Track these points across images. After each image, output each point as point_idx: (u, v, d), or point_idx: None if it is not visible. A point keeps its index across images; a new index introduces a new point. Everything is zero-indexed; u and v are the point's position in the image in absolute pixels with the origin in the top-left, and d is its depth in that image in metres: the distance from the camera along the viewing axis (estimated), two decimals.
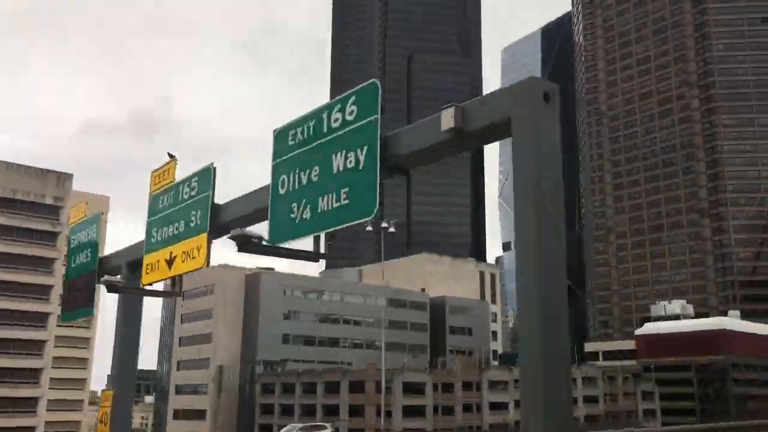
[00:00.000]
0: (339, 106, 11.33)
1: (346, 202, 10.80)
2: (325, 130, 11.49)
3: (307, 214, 11.45)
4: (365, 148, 10.67)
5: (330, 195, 11.09)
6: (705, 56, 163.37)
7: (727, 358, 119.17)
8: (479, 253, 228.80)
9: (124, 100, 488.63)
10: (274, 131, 12.67)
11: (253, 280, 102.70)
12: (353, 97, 11.06)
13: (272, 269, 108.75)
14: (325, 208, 11.14)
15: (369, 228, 52.53)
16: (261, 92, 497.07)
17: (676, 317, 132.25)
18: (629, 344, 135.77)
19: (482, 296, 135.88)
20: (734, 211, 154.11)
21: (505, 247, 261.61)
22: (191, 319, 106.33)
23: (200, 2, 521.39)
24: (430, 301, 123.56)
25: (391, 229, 51.98)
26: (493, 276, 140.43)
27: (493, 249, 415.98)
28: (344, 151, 11.01)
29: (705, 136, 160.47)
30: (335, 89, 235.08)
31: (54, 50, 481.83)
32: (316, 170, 11.48)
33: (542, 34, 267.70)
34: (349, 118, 11.00)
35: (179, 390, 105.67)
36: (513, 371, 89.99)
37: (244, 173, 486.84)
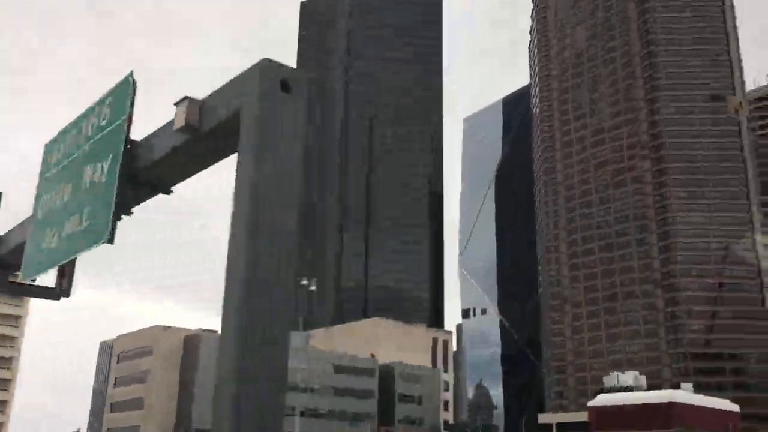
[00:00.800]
0: (97, 109, 9.38)
1: (85, 224, 8.72)
2: (82, 140, 9.50)
3: (54, 242, 9.32)
4: (110, 158, 8.67)
5: (74, 217, 9.02)
6: (657, 129, 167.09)
7: (678, 431, 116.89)
8: (438, 319, 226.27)
9: None
10: (45, 145, 10.66)
11: (192, 341, 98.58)
12: (109, 98, 9.11)
13: (215, 331, 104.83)
14: (69, 233, 9.04)
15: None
16: None
17: (629, 389, 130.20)
18: (583, 416, 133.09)
19: (434, 363, 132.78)
20: (686, 282, 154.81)
21: (465, 314, 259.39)
22: (125, 382, 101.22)
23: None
24: (379, 367, 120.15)
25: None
26: (446, 342, 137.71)
27: (453, 315, 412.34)
28: (93, 164, 9.00)
29: (657, 208, 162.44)
30: None
31: (55, 49, 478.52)
32: (69, 188, 9.42)
33: (504, 104, 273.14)
34: (102, 123, 9.03)
35: None
36: None
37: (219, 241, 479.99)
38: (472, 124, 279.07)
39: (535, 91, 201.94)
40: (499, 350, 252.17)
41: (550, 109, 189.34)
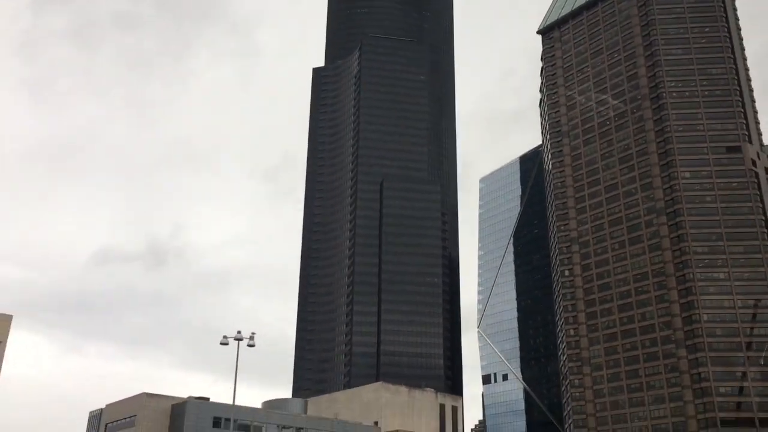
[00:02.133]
0: None
1: None
2: None
3: None
4: None
5: None
6: (671, 183, 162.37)
7: None
8: (456, 386, 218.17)
9: (138, 230, 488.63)
10: None
11: (178, 410, 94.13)
12: None
13: (207, 399, 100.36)
14: None
15: (226, 343, 45.76)
16: (278, 220, 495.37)
17: None
18: None
19: (442, 430, 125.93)
20: (711, 341, 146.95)
21: (485, 380, 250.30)
22: None
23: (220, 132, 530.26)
24: None
25: (251, 343, 45.72)
26: (454, 408, 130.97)
27: (473, 381, 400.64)
28: None
29: (676, 264, 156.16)
30: (308, 213, 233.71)
31: (74, 181, 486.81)
32: None
33: (521, 162, 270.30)
34: None
35: None
36: None
37: (236, 305, 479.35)
38: (488, 183, 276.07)
39: (546, 148, 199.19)
40: (523, 416, 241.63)
41: (562, 166, 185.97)
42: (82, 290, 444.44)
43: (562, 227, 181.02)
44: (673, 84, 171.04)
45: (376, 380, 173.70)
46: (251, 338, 48.09)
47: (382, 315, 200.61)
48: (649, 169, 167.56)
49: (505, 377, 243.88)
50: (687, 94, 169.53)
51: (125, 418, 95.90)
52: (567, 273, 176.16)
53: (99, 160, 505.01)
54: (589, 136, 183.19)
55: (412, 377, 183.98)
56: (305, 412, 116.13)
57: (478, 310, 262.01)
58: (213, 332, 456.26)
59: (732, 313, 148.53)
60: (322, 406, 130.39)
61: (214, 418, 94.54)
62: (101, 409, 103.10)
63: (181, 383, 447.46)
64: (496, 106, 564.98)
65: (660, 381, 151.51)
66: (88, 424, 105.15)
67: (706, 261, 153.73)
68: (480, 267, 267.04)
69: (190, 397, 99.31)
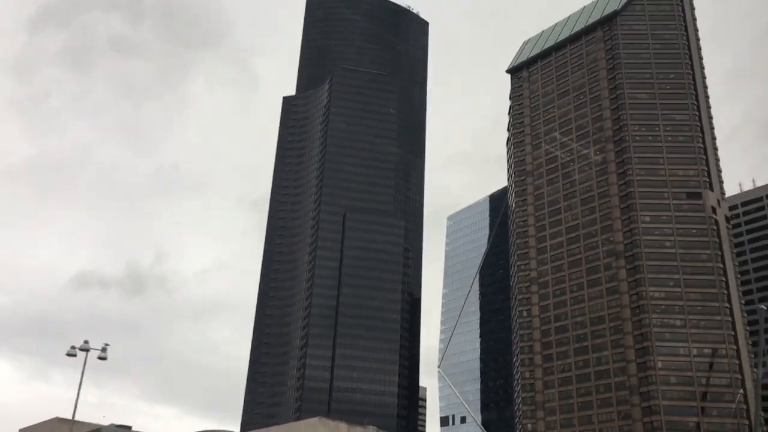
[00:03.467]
0: None
1: None
2: None
3: None
4: None
5: None
6: (631, 227, 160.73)
7: None
8: (410, 426, 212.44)
9: (120, 255, 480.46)
10: None
11: None
12: None
13: (128, 427, 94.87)
14: None
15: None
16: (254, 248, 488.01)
17: None
18: None
19: None
20: (665, 390, 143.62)
21: (443, 421, 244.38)
22: None
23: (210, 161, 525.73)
24: None
25: (103, 355, 41.73)
26: None
27: (432, 422, 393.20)
28: None
29: (632, 309, 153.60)
30: (269, 244, 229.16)
31: (60, 202, 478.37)
32: None
33: (489, 201, 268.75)
34: None
35: None
36: None
37: (215, 334, 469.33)
38: (456, 221, 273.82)
39: (511, 186, 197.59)
40: None
41: (525, 205, 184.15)
42: (57, 315, 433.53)
43: (523, 267, 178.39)
44: (636, 128, 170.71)
45: (327, 416, 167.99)
46: (103, 350, 43.97)
47: (336, 350, 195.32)
48: (610, 211, 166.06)
49: (463, 419, 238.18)
50: (650, 138, 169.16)
51: None
52: (525, 314, 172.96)
53: (86, 182, 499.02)
54: (553, 176, 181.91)
55: (364, 414, 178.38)
56: None
57: (440, 349, 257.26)
58: (185, 364, 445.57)
59: (687, 361, 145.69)
60: None
61: None
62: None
63: (145, 414, 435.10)
64: (468, 144, 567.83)
65: (612, 428, 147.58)
66: None
67: (663, 307, 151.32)
68: (443, 306, 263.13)
69: (111, 425, 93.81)
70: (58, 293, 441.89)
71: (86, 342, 42.77)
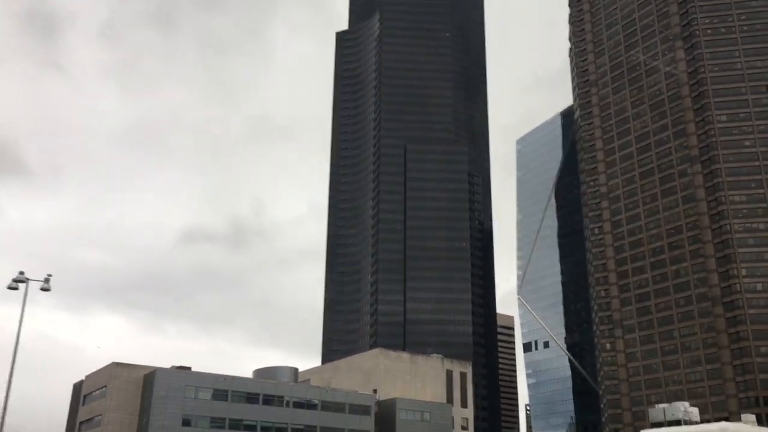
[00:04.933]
0: None
1: None
2: None
3: None
4: None
5: None
6: (706, 129, 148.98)
7: None
8: (489, 355, 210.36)
9: (221, 209, 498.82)
10: None
11: (149, 379, 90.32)
12: None
13: (188, 368, 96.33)
14: None
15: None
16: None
17: (677, 422, 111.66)
18: None
19: (449, 398, 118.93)
20: (751, 298, 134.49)
21: (526, 347, 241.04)
22: (89, 427, 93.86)
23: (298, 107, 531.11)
24: (379, 404, 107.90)
25: (46, 286, 39.55)
26: (463, 375, 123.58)
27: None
28: None
29: (711, 216, 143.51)
30: (334, 183, 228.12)
31: (159, 163, 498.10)
32: None
33: (561, 118, 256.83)
34: None
35: None
36: None
37: (313, 277, 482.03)
38: (525, 144, 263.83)
39: (576, 101, 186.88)
40: (567, 384, 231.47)
41: (590, 117, 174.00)
42: (166, 271, 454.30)
43: (592, 183, 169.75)
44: (707, 20, 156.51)
45: (403, 350, 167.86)
46: (46, 281, 42.59)
47: (407, 283, 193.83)
48: (683, 114, 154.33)
49: (546, 344, 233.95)
50: (723, 30, 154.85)
51: (99, 389, 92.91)
52: (597, 231, 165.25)
53: (182, 140, 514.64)
54: (618, 84, 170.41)
55: (439, 345, 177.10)
56: (295, 380, 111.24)
57: (518, 276, 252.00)
58: (287, 309, 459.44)
59: None
60: (325, 374, 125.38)
61: (187, 386, 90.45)
62: (82, 381, 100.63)
63: (250, 359, 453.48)
64: (533, 63, 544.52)
65: (696, 342, 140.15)
66: (72, 396, 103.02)
67: (744, 211, 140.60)
68: (519, 232, 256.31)
69: (172, 367, 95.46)
70: (166, 250, 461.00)
71: (21, 273, 41.57)
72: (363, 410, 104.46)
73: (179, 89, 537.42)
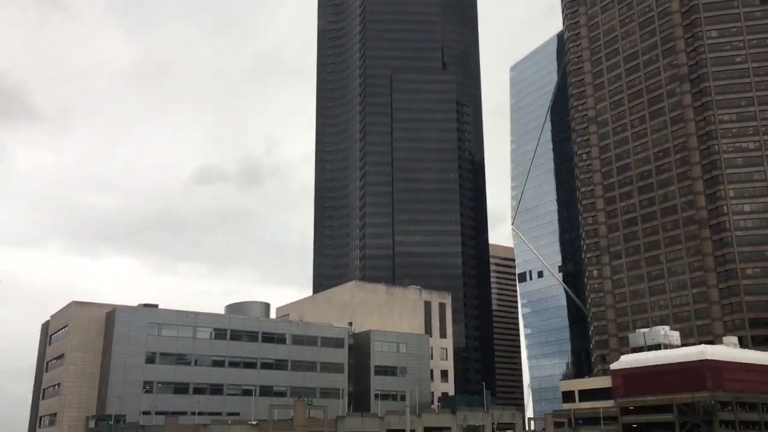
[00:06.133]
0: None
1: None
2: None
3: None
4: None
5: None
6: (696, 45, 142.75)
7: (713, 395, 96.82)
8: (481, 285, 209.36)
9: (233, 148, 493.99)
10: None
11: (110, 317, 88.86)
12: None
13: (155, 305, 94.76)
14: None
15: None
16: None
17: (657, 347, 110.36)
18: (608, 381, 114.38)
19: (428, 329, 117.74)
20: (737, 219, 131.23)
21: (520, 278, 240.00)
22: (55, 365, 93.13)
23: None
24: (353, 336, 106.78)
25: None
26: (442, 305, 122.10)
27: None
28: None
29: (700, 137, 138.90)
30: (320, 115, 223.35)
31: (168, 102, 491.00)
32: None
33: (558, 41, 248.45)
34: None
35: None
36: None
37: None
38: (519, 71, 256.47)
39: (564, 21, 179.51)
40: (562, 313, 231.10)
41: (578, 39, 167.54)
42: (177, 213, 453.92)
43: (580, 107, 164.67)
44: None
45: (392, 283, 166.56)
46: None
47: (395, 216, 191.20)
48: (672, 31, 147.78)
49: (540, 274, 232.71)
50: None
51: (62, 328, 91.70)
52: (584, 157, 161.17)
53: (192, 78, 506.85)
54: (607, 2, 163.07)
55: (428, 278, 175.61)
56: (267, 315, 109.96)
57: (512, 206, 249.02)
58: (294, 248, 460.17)
59: (763, 186, 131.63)
60: (304, 308, 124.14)
61: (149, 323, 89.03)
62: (48, 321, 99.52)
63: (261, 296, 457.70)
64: None
65: (682, 266, 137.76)
66: (40, 335, 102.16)
67: (734, 130, 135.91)
68: (512, 161, 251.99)
69: (139, 305, 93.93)
70: (177, 191, 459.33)
71: None
72: (336, 343, 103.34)
73: (185, 26, 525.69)
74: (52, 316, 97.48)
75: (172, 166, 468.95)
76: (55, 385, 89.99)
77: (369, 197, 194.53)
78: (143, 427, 68.77)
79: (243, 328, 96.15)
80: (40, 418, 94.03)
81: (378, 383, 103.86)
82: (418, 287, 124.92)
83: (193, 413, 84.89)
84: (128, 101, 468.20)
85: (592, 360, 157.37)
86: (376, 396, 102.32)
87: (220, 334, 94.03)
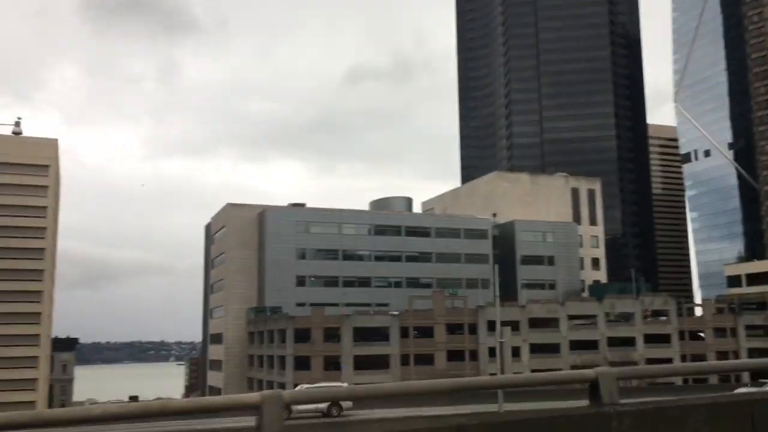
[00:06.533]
0: None
1: None
2: None
3: None
4: None
5: None
6: None
7: None
8: (640, 170, 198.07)
9: (383, 44, 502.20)
10: None
11: (262, 218, 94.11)
12: None
13: (302, 205, 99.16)
14: None
15: None
16: None
17: None
18: None
19: (576, 217, 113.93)
20: None
21: (684, 158, 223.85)
22: (218, 263, 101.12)
23: None
24: (498, 227, 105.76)
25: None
26: (591, 192, 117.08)
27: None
28: None
29: None
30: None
31: (314, 5, 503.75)
32: None
33: None
34: None
35: (212, 340, 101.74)
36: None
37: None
38: None
39: None
40: (734, 194, 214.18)
41: None
42: (334, 113, 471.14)
43: None
44: None
45: (542, 172, 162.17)
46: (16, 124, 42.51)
47: (542, 101, 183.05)
48: None
49: (707, 153, 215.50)
50: None
51: (221, 229, 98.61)
52: (756, 19, 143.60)
53: None
54: None
55: (580, 165, 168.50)
56: (410, 209, 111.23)
57: (674, 81, 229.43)
58: (449, 140, 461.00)
59: None
60: (446, 202, 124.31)
61: (297, 222, 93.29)
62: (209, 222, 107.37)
63: (418, 189, 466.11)
64: None
65: None
66: (205, 236, 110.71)
67: None
68: (674, 32, 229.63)
69: (288, 205, 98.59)
70: (332, 92, 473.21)
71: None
72: (480, 234, 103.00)
73: None
74: (212, 218, 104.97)
75: (325, 69, 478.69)
76: (219, 281, 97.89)
77: (514, 83, 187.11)
78: (292, 318, 73.32)
79: (387, 223, 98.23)
80: (211, 310, 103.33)
81: (524, 273, 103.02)
82: (564, 174, 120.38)
83: (345, 305, 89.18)
84: (281, 8, 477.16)
85: (764, 242, 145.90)
86: (523, 286, 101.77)
87: (364, 229, 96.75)
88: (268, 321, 79.60)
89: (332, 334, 70.13)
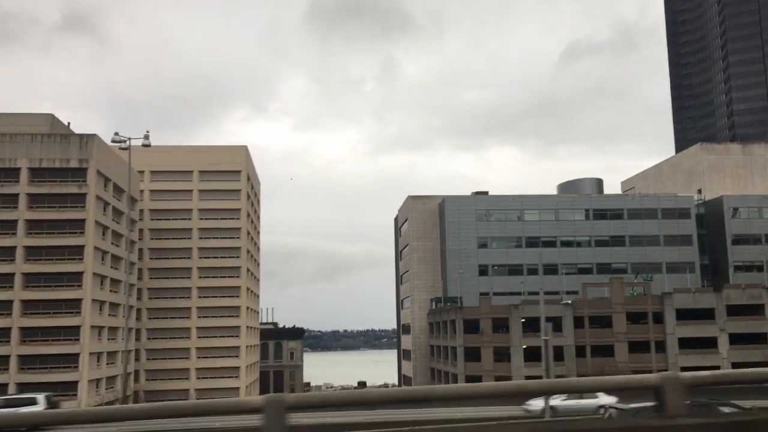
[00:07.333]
0: None
1: None
2: None
3: None
4: None
5: None
6: None
7: None
8: None
9: (603, 15, 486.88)
10: None
11: (441, 208, 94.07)
12: None
13: (485, 193, 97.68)
14: None
15: None
16: None
17: None
18: None
19: None
20: None
21: None
22: (406, 254, 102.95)
23: None
24: (703, 205, 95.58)
25: (146, 142, 40.86)
26: None
27: None
28: None
29: None
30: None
31: None
32: None
33: None
34: None
35: (404, 330, 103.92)
36: None
37: None
38: None
39: None
40: None
41: None
42: (550, 96, 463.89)
43: None
44: None
45: (765, 140, 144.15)
46: (146, 137, 44.10)
47: (767, 60, 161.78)
48: None
49: None
50: None
51: (405, 222, 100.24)
52: None
53: None
54: None
55: None
56: (600, 191, 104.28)
57: None
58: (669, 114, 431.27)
59: None
60: (649, 178, 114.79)
61: (477, 210, 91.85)
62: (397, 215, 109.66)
63: (636, 170, 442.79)
64: None
65: None
66: (394, 228, 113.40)
67: None
68: None
69: (472, 193, 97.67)
70: (548, 74, 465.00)
71: (117, 134, 44.49)
72: (680, 213, 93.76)
73: None
74: (398, 210, 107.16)
75: (540, 50, 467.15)
76: (406, 272, 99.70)
77: (731, 43, 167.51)
78: (461, 308, 72.33)
79: (571, 207, 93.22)
80: (402, 300, 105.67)
81: (737, 254, 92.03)
82: None
83: (529, 293, 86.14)
84: None
85: None
86: (736, 268, 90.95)
87: (548, 214, 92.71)
88: (443, 312, 79.38)
89: (501, 325, 67.99)
